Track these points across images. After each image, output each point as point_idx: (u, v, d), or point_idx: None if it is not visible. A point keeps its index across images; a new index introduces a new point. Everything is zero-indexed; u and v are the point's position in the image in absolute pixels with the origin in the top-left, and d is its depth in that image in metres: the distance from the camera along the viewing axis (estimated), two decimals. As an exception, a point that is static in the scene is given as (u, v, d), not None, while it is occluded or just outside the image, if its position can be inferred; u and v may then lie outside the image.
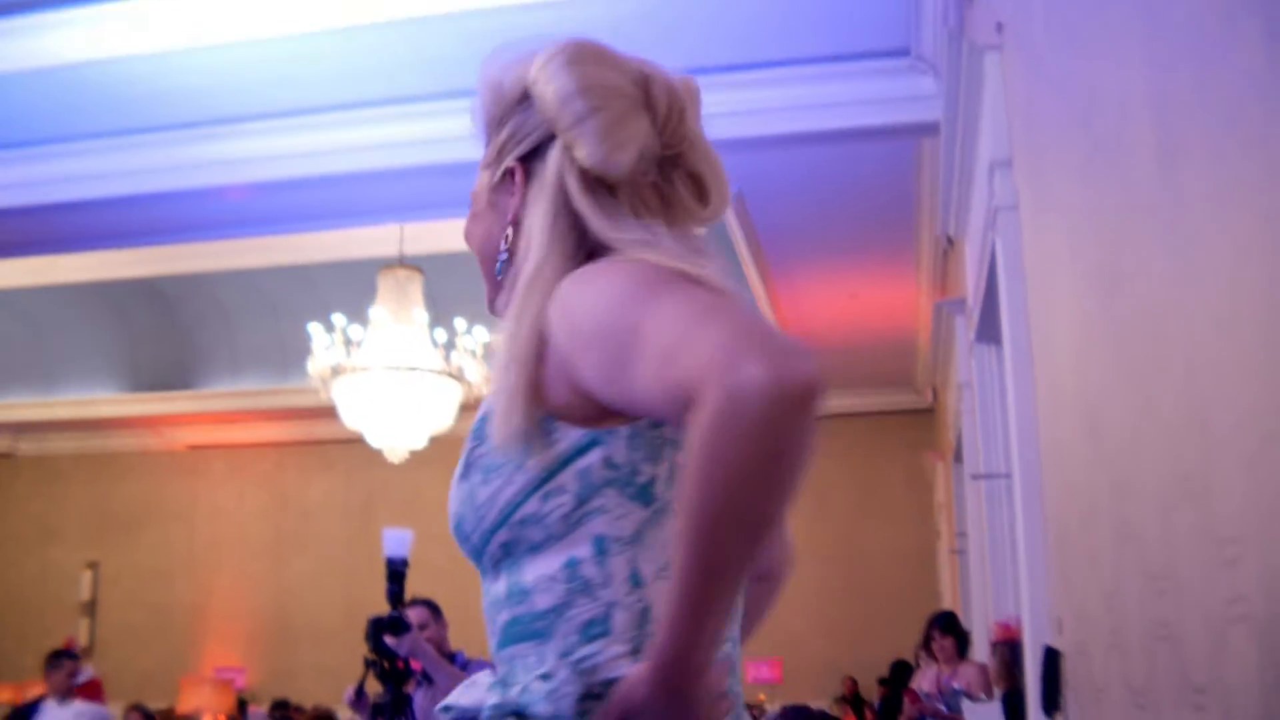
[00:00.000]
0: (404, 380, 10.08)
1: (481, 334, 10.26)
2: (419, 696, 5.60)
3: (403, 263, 10.43)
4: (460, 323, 10.31)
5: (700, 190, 1.66)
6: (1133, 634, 2.67)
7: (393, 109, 7.24)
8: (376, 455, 11.00)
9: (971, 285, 6.40)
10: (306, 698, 13.09)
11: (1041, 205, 3.91)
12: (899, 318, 11.09)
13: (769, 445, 1.20)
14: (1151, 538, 2.44)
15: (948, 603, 11.39)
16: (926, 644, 7.74)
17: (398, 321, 10.12)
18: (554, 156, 1.61)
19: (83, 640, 14.92)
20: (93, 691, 8.70)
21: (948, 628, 7.64)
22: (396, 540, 5.56)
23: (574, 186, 1.58)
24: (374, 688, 5.32)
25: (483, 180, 1.75)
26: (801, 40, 6.55)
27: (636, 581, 1.45)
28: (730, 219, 8.72)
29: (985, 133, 5.00)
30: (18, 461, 16.78)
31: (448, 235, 10.83)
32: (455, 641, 6.18)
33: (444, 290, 10.95)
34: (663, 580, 1.40)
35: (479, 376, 10.22)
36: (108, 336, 14.77)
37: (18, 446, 16.63)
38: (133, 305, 14.18)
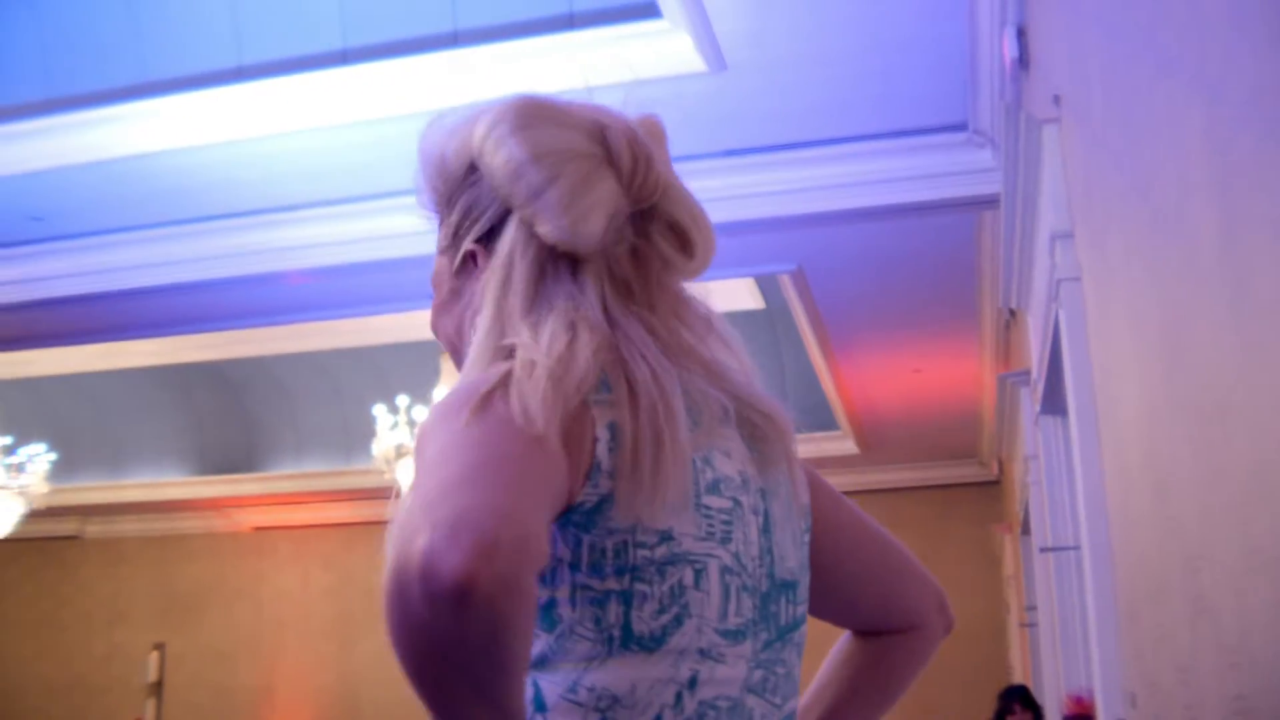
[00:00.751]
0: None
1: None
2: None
3: (465, 343, 10.49)
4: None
5: (683, 241, 1.49)
6: (1208, 709, 2.63)
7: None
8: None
9: (1035, 357, 6.37)
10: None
11: (1104, 277, 3.89)
12: (962, 390, 11.04)
13: (412, 643, 1.15)
14: (1225, 610, 2.41)
15: (1018, 676, 11.24)
16: (1001, 717, 7.65)
17: (460, 401, 10.17)
18: (509, 235, 1.44)
19: (151, 722, 14.98)
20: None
21: (1026, 702, 7.55)
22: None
23: (522, 269, 1.42)
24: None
25: (441, 265, 1.57)
26: (860, 117, 6.59)
27: (539, 705, 1.31)
28: (791, 295, 8.74)
29: (1046, 205, 4.99)
30: (85, 544, 16.93)
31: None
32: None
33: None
34: (569, 701, 1.29)
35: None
36: (174, 419, 14.93)
37: (85, 529, 16.79)
38: (198, 389, 14.34)
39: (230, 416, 14.65)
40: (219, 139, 6.94)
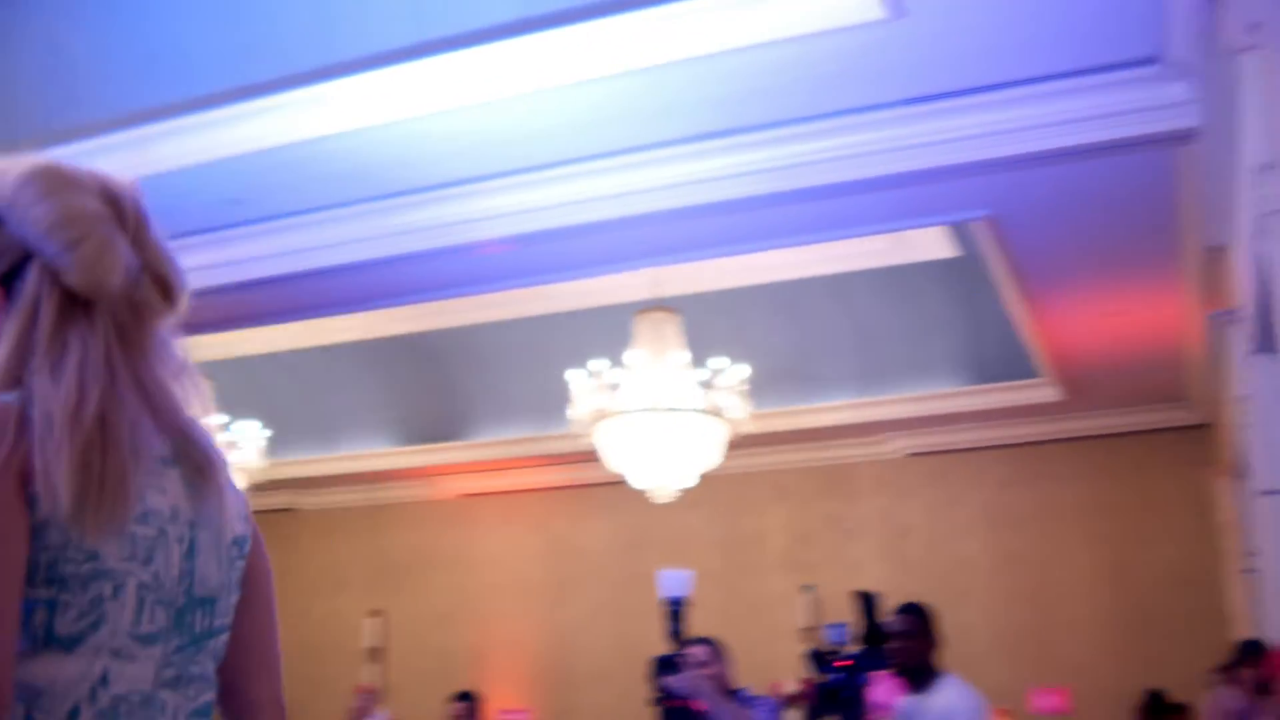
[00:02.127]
0: (665, 421, 10.16)
1: (742, 371, 10.28)
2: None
3: (659, 305, 10.52)
4: (719, 360, 10.35)
5: (165, 290, 1.77)
6: None
7: (641, 155, 7.34)
8: (642, 496, 11.11)
9: (1244, 294, 6.16)
10: (588, 738, 13.28)
11: (1312, 208, 3.75)
12: (1166, 332, 10.72)
13: None
14: None
15: (1238, 625, 10.93)
16: (1230, 668, 7.43)
17: (656, 363, 10.20)
18: (32, 278, 1.65)
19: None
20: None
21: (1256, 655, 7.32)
22: (674, 580, 5.60)
23: (48, 309, 1.63)
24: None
25: None
26: (1046, 56, 6.43)
27: None
28: (986, 241, 8.59)
29: (1247, 136, 4.82)
30: (301, 515, 17.44)
31: (704, 276, 10.91)
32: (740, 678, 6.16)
33: (701, 329, 11.02)
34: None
35: (742, 413, 10.24)
36: (379, 392, 15.27)
37: (300, 501, 17.29)
38: (400, 361, 14.65)
39: (432, 387, 14.93)
40: (407, 115, 7.05)
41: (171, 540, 1.67)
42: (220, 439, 12.21)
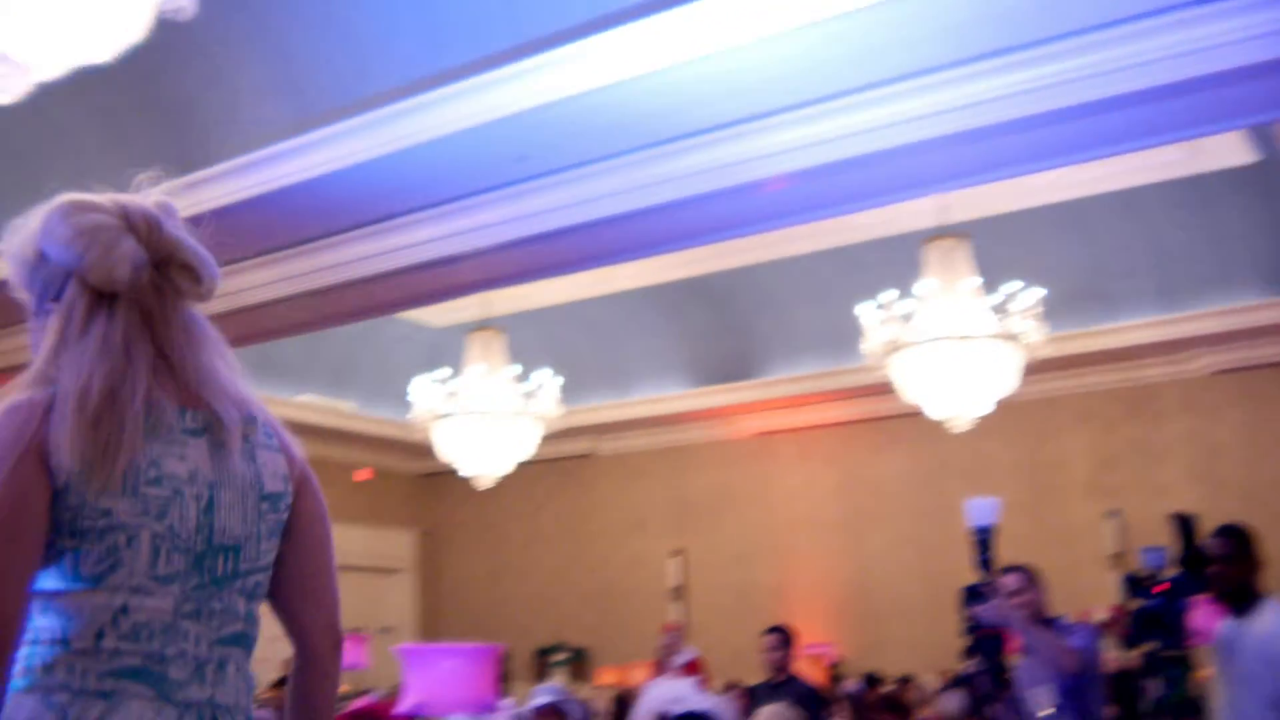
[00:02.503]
0: (959, 349, 10.00)
1: (1036, 294, 10.03)
2: (1022, 665, 5.52)
3: (948, 232, 10.35)
4: (1011, 285, 10.12)
5: (194, 276, 2.20)
6: None
7: (921, 80, 7.19)
8: (939, 426, 10.97)
9: None
10: (895, 669, 13.23)
11: None
12: None
13: None
14: None
15: None
16: None
17: (947, 291, 10.04)
18: (70, 289, 2.12)
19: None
20: (695, 671, 9.11)
21: None
22: (982, 509, 5.50)
23: (80, 308, 2.10)
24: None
25: (34, 326, 2.19)
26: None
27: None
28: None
29: None
30: (600, 460, 17.81)
31: (991, 199, 10.67)
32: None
33: (992, 253, 10.79)
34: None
35: (1037, 337, 10.00)
36: (669, 336, 15.44)
37: (599, 446, 17.65)
38: (689, 304, 14.77)
39: (722, 328, 15.02)
40: (682, 59, 7.06)
41: (188, 499, 2.05)
42: (514, 389, 12.55)
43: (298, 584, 2.30)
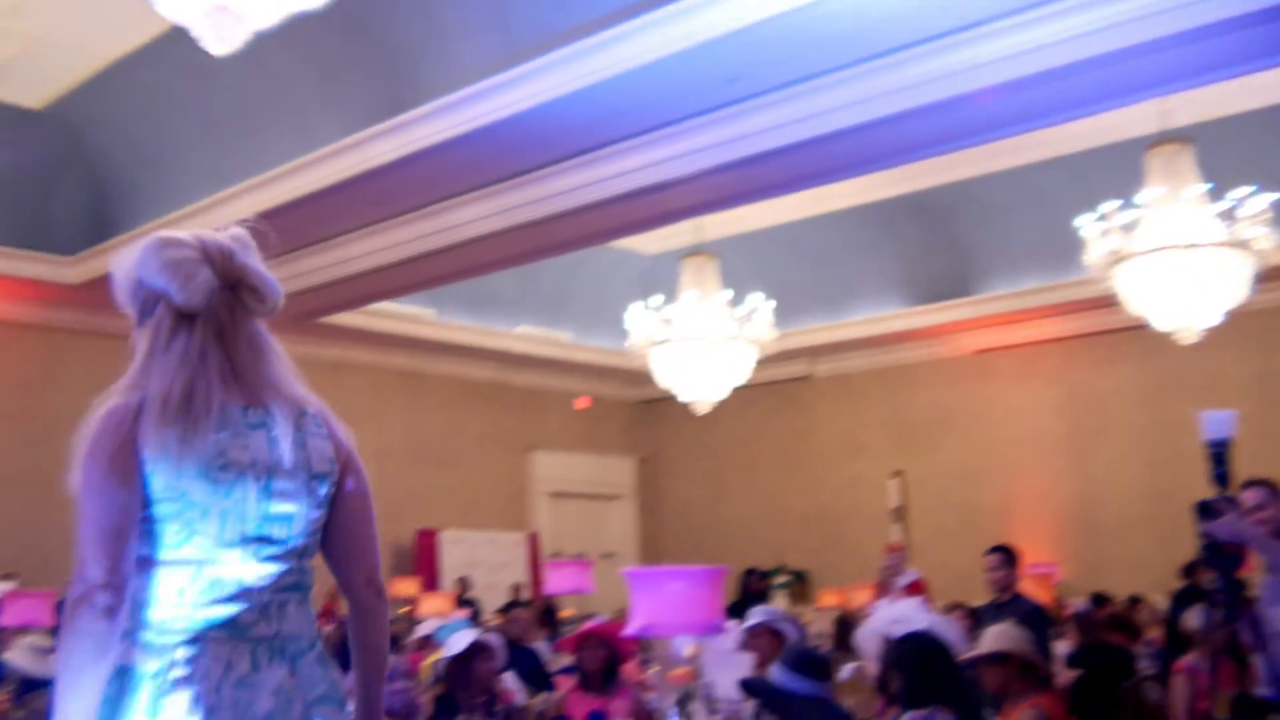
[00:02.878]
0: (1185, 258, 9.67)
1: (1266, 198, 9.63)
2: (1266, 584, 5.34)
3: (1171, 137, 10.00)
4: (1240, 190, 9.73)
5: (259, 296, 2.70)
6: None
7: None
8: (1166, 338, 10.65)
9: None
10: (1120, 589, 12.95)
11: None
12: None
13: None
14: None
15: None
16: None
17: (1171, 198, 9.71)
18: (158, 309, 2.65)
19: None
20: (918, 592, 9.06)
21: None
22: (1218, 421, 5.30)
23: (165, 325, 2.63)
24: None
25: (134, 339, 2.70)
26: None
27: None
28: None
29: None
30: (817, 382, 17.76)
31: (1216, 101, 10.26)
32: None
33: (1218, 158, 10.37)
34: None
35: (1269, 244, 9.61)
36: (884, 255, 15.27)
37: (815, 368, 17.60)
38: (904, 221, 14.57)
39: (938, 244, 14.79)
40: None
41: (250, 481, 2.57)
42: (728, 314, 12.55)
43: (343, 546, 2.78)
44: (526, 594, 15.60)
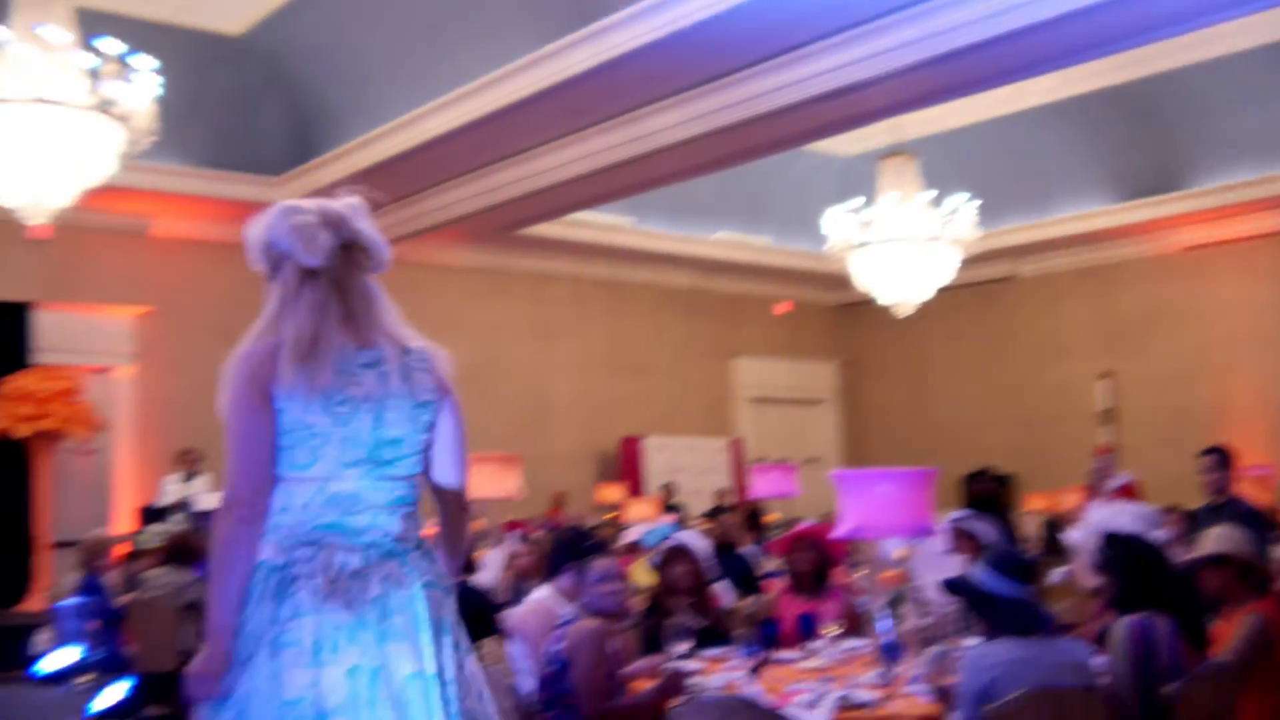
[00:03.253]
0: None
1: None
2: None
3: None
4: None
5: (370, 255, 3.23)
6: None
7: None
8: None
9: None
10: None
11: None
12: None
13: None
14: None
15: None
16: None
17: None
18: (287, 267, 3.16)
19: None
20: (1130, 495, 8.89)
21: None
22: None
23: (291, 280, 3.15)
24: None
25: (268, 290, 3.22)
26: None
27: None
28: None
29: None
30: (1021, 283, 17.44)
31: None
32: None
33: None
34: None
35: None
36: (1087, 150, 14.87)
37: (1019, 269, 17.27)
38: (1107, 115, 14.15)
39: (1145, 138, 14.34)
40: None
41: (364, 412, 3.09)
42: (929, 215, 12.37)
43: (440, 463, 3.27)
44: (731, 499, 15.71)
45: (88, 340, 13.98)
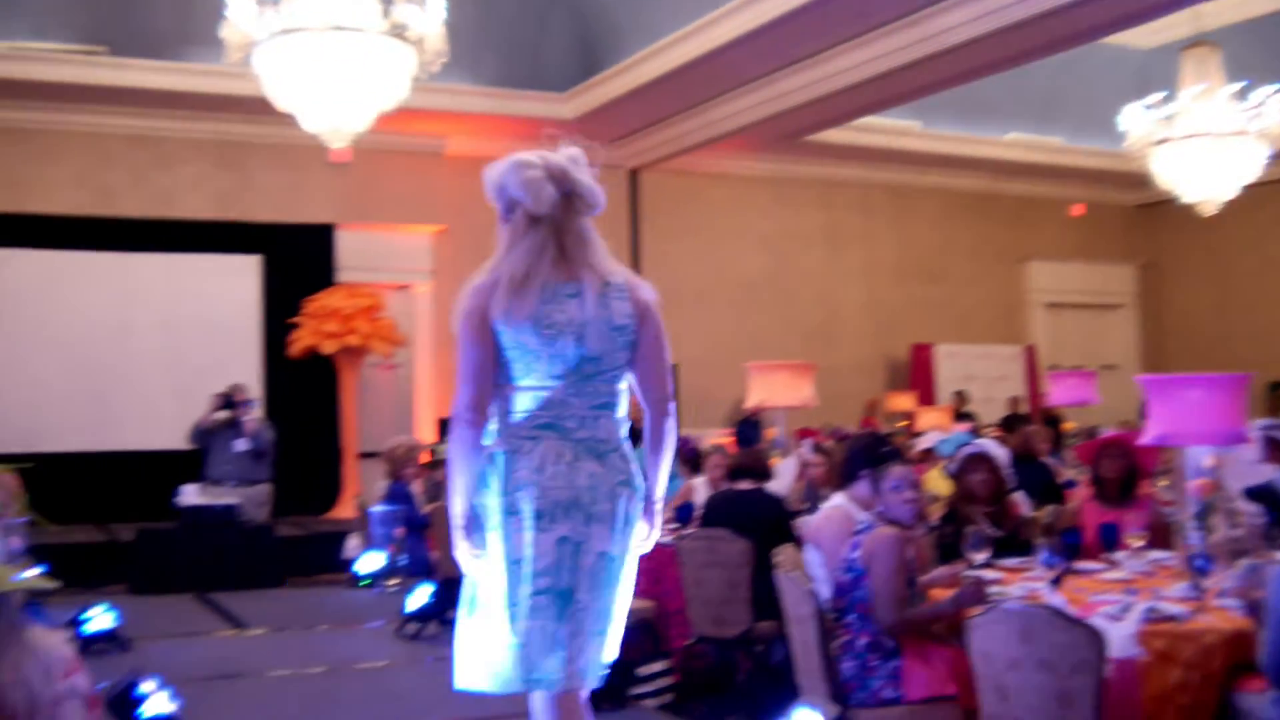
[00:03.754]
0: None
1: None
2: None
3: None
4: None
5: (587, 201, 3.76)
6: None
7: None
8: None
9: None
10: None
11: None
12: None
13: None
14: None
15: None
16: None
17: None
18: (518, 211, 3.73)
19: None
20: None
21: None
22: None
23: (521, 223, 3.72)
24: None
25: (500, 231, 3.79)
26: None
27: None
28: None
29: None
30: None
31: None
32: None
33: None
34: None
35: None
36: None
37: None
38: None
39: None
40: None
41: (568, 334, 3.66)
42: (1235, 108, 11.80)
43: (642, 376, 3.84)
44: (1025, 407, 15.42)
45: (387, 259, 14.56)
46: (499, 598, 3.67)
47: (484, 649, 3.71)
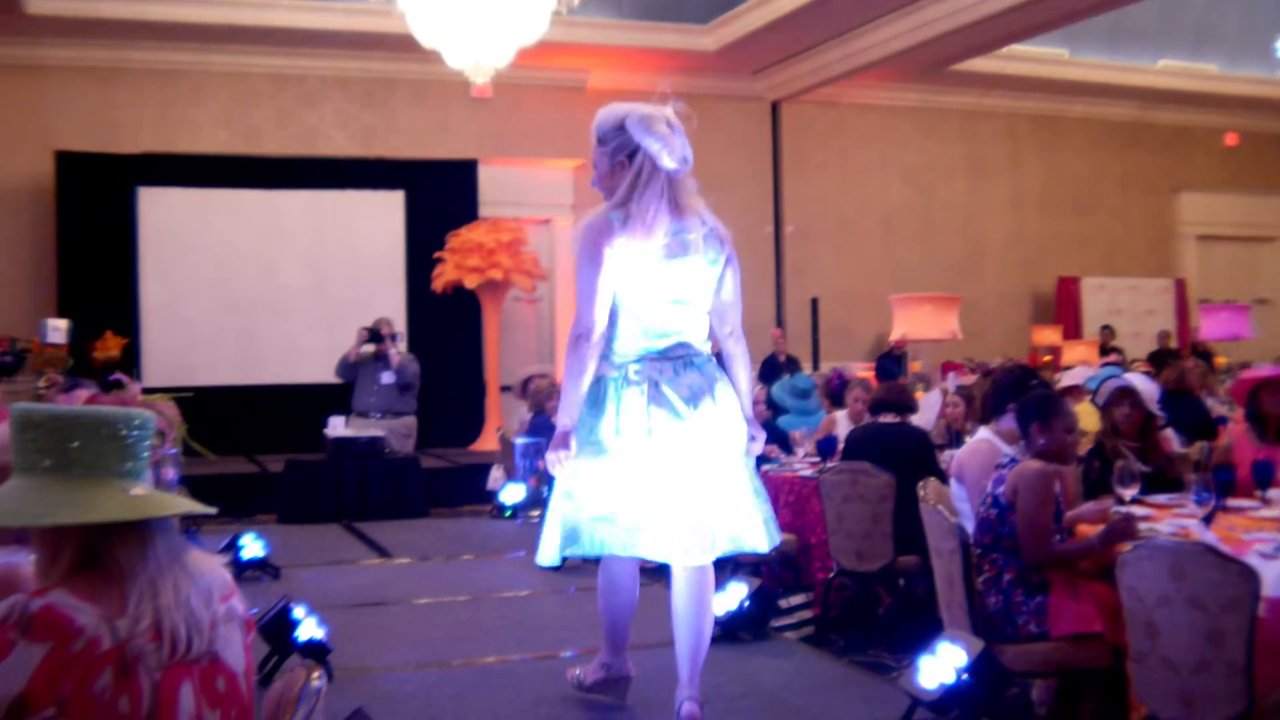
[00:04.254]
0: None
1: None
2: None
3: None
4: None
5: (689, 159, 4.33)
6: None
7: None
8: None
9: None
10: None
11: None
12: None
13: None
14: None
15: None
16: None
17: None
18: (640, 157, 4.29)
19: None
20: None
21: None
22: None
23: (646, 171, 4.27)
24: None
25: (603, 168, 4.44)
26: None
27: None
28: None
29: None
30: None
31: None
32: None
33: None
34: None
35: None
36: None
37: None
38: None
39: None
40: None
41: (675, 265, 4.28)
42: None
43: (719, 310, 4.48)
44: (1174, 341, 15.09)
45: (529, 193, 14.63)
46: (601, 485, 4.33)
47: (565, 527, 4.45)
